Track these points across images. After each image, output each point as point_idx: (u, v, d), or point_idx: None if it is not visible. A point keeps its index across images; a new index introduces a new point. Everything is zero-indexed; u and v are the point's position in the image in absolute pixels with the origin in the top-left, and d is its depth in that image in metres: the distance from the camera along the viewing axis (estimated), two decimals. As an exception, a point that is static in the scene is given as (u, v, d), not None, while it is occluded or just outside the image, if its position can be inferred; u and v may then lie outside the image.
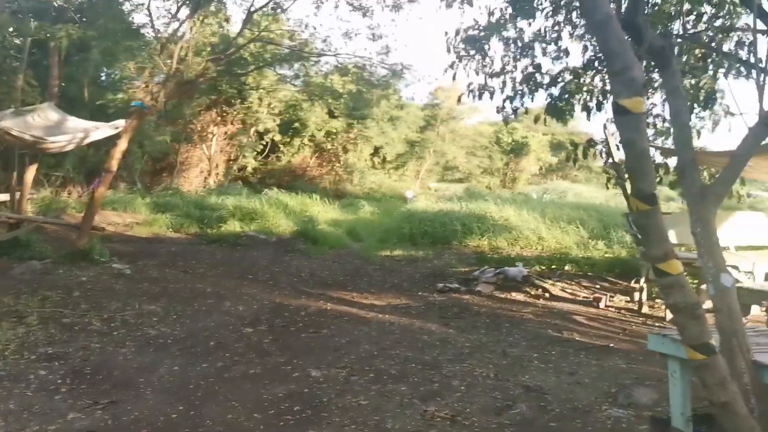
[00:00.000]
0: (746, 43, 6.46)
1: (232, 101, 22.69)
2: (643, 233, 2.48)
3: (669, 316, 7.23)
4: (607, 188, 10.13)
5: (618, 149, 9.47)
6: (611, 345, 6.25)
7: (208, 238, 12.84)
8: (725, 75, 6.76)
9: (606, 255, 11.35)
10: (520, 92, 9.85)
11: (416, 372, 5.23)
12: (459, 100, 9.72)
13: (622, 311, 7.77)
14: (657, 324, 7.16)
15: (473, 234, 13.14)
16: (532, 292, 8.45)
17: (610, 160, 9.22)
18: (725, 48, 6.95)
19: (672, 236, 7.78)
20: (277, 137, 24.17)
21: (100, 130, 9.76)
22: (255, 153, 24.16)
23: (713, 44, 6.68)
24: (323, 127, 24.79)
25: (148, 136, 17.23)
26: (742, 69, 6.58)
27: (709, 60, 6.78)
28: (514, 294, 8.38)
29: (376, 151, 28.18)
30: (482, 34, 8.87)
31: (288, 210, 15.97)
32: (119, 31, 10.90)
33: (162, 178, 22.55)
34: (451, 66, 9.25)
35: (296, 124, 24.32)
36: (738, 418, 2.43)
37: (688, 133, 3.08)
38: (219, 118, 23.14)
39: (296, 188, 22.49)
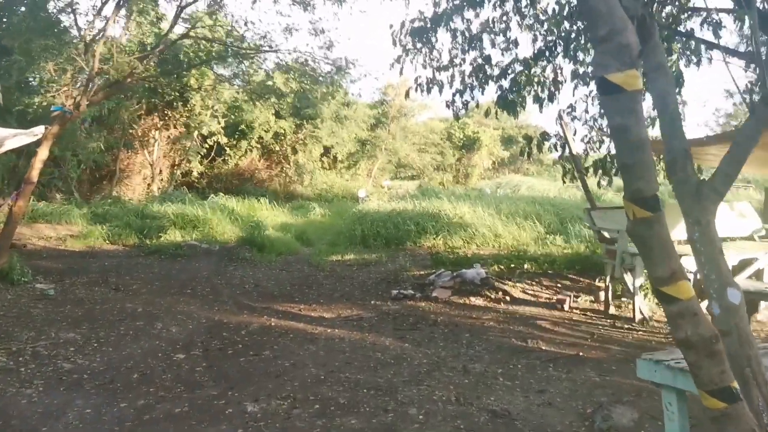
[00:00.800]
0: (713, 24, 6.04)
1: (174, 104, 21.63)
2: (642, 247, 1.92)
3: (638, 316, 6.82)
4: (564, 182, 9.69)
5: (574, 140, 9.02)
6: (580, 354, 5.76)
7: (146, 249, 11.93)
8: (691, 58, 6.36)
9: (565, 251, 10.96)
10: (469, 85, 9.40)
11: (368, 399, 4.61)
12: (407, 94, 9.17)
13: (588, 313, 7.32)
14: (626, 326, 6.73)
15: (428, 234, 12.61)
16: (492, 296, 7.93)
17: (567, 152, 8.83)
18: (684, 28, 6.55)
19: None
20: (223, 140, 23.18)
21: (17, 138, 8.78)
22: (200, 157, 23.13)
23: (678, 26, 6.26)
24: (270, 129, 23.93)
25: (79, 144, 16.10)
26: (709, 52, 6.18)
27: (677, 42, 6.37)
28: (472, 299, 7.85)
29: (327, 151, 27.45)
30: (428, 26, 8.39)
31: (234, 216, 15.14)
32: (35, 28, 9.90)
33: (102, 187, 21.36)
34: (398, 60, 8.77)
35: (242, 126, 23.39)
36: (771, 479, 1.90)
37: (678, 119, 2.53)
38: (161, 123, 22.03)
39: (244, 192, 21.62)
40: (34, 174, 8.91)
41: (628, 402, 4.52)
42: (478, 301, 7.80)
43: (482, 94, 9.53)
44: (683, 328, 1.86)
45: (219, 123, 22.00)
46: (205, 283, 9.09)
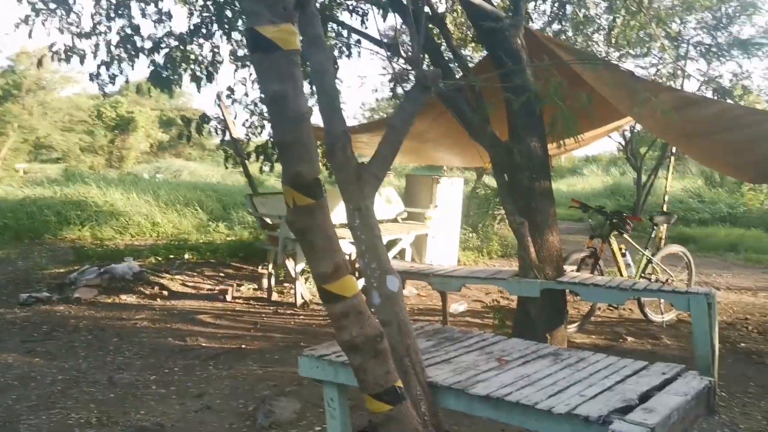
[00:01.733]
0: (360, 14, 6.27)
1: None
2: (303, 240, 1.63)
3: (299, 301, 6.85)
4: (226, 167, 9.38)
5: (235, 124, 8.70)
6: (243, 346, 5.50)
7: None
8: (343, 49, 6.55)
9: (229, 238, 10.67)
10: (117, 57, 8.43)
11: (-22, 439, 3.62)
12: (39, 63, 7.79)
13: (251, 302, 7.12)
14: (288, 312, 6.71)
15: (71, 224, 11.04)
16: (147, 292, 7.19)
17: (228, 137, 8.50)
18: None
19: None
20: None
21: None
22: None
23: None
24: None
25: None
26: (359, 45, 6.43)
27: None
28: (124, 297, 6.99)
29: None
30: (62, -18, 7.19)
31: None
32: None
33: None
34: (26, 21, 7.39)
35: None
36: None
37: (336, 98, 2.35)
38: None
39: None
40: None
41: (290, 393, 4.40)
42: (130, 298, 6.98)
43: (132, 68, 8.63)
44: (348, 329, 1.65)
45: None
46: None
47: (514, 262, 10.21)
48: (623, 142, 14.21)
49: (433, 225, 8.56)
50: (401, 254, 7.62)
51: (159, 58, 8.27)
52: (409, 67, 5.69)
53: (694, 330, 4.11)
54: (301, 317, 6.56)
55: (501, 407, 2.04)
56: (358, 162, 2.36)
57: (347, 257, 1.72)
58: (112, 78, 8.54)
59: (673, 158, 8.94)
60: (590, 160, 32.62)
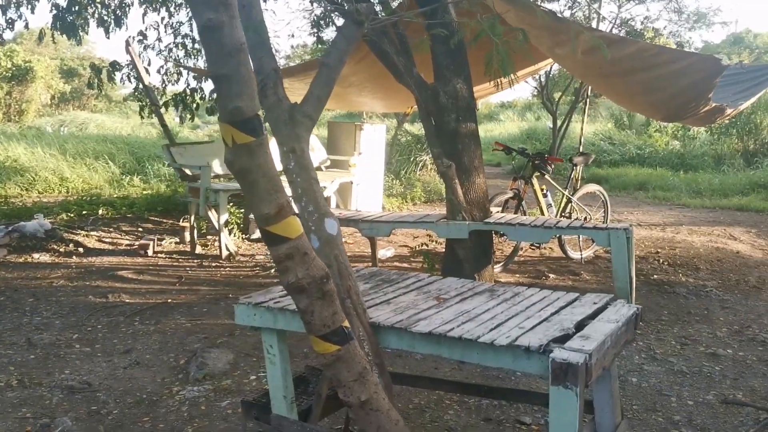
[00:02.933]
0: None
1: None
2: (243, 181, 1.56)
3: (225, 253, 6.71)
4: (141, 117, 8.92)
5: (148, 73, 8.27)
6: (169, 300, 5.35)
7: None
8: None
9: (145, 192, 10.24)
10: (15, 0, 7.83)
11: None
12: None
13: (174, 256, 6.90)
14: (214, 264, 6.56)
15: (-30, 183, 10.27)
16: (62, 249, 6.83)
17: (141, 85, 8.06)
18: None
19: (218, 167, 7.23)
20: None
21: None
22: None
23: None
24: None
25: None
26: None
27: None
28: (36, 255, 6.61)
29: None
30: None
31: None
32: None
33: None
34: None
35: None
36: (381, 414, 1.83)
37: (265, 33, 2.23)
38: None
39: None
40: None
41: (222, 344, 4.34)
42: (43, 257, 6.61)
43: (32, 12, 7.97)
44: (293, 270, 1.60)
45: None
46: None
47: (438, 207, 10.39)
48: (539, 88, 14.53)
49: (356, 172, 8.52)
50: (327, 201, 7.56)
51: (62, 1, 7.68)
52: (332, 8, 5.53)
53: (615, 263, 4.32)
54: (227, 269, 6.44)
55: (443, 343, 2.07)
56: (290, 102, 2.28)
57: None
58: (10, 23, 7.87)
59: (588, 102, 9.22)
60: (506, 105, 33.29)
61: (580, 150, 8.82)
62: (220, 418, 3.32)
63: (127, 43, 7.89)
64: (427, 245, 6.95)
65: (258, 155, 1.51)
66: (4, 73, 26.47)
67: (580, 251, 6.64)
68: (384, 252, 6.91)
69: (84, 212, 8.56)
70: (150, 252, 6.85)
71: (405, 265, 6.62)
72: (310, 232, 2.20)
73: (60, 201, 9.58)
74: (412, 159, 13.50)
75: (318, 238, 2.19)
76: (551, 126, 14.87)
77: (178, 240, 7.35)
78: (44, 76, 27.33)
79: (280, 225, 1.56)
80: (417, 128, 16.60)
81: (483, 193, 5.00)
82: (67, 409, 3.41)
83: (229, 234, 7.06)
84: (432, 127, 4.91)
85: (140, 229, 8.13)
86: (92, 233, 7.54)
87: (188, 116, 9.02)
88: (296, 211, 1.71)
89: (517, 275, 6.17)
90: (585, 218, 6.59)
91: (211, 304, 5.30)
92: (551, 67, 12.14)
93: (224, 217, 6.72)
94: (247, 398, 2.94)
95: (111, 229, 7.92)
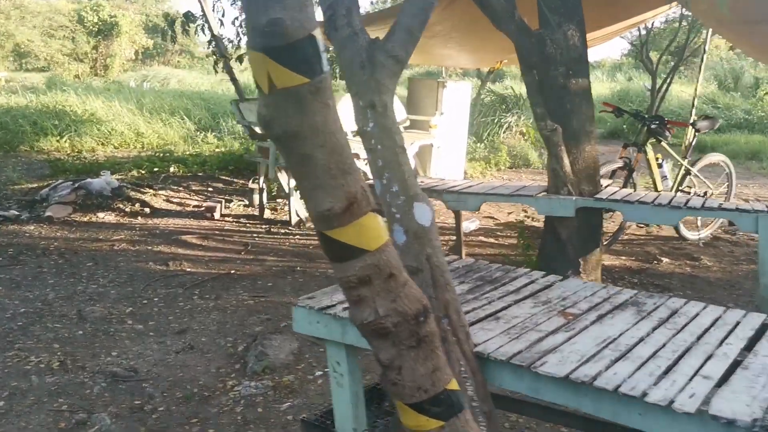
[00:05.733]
0: None
1: None
2: (287, 151, 0.93)
3: (294, 219, 6.21)
4: (216, 71, 8.49)
5: (222, 24, 7.72)
6: (232, 272, 4.89)
7: None
8: None
9: (217, 149, 9.89)
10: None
11: None
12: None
13: (241, 220, 6.46)
14: (282, 231, 6.07)
15: (48, 135, 10.21)
16: (128, 209, 6.50)
17: (211, 35, 7.58)
18: None
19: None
20: None
21: None
22: None
23: None
24: None
25: None
26: None
27: None
28: (101, 215, 6.31)
29: None
30: None
31: None
32: None
33: None
34: None
35: None
36: None
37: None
38: None
39: None
40: None
41: (286, 328, 3.81)
42: (108, 217, 6.30)
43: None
44: (369, 303, 0.98)
45: None
46: None
47: (523, 174, 9.55)
48: (637, 44, 13.19)
49: (438, 134, 7.78)
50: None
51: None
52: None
53: (762, 254, 3.48)
54: (296, 237, 5.93)
55: (586, 394, 1.41)
56: (369, 37, 1.62)
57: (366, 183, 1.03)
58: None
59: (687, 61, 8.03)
60: (593, 65, 31.31)
61: (693, 113, 7.71)
62: (278, 426, 2.80)
63: (200, -7, 7.39)
64: (523, 221, 6.19)
65: (314, 109, 0.87)
66: (91, 27, 26.94)
67: (698, 231, 5.73)
68: (467, 224, 6.21)
69: (155, 169, 8.26)
70: (217, 215, 6.43)
71: (492, 240, 5.91)
72: (393, 221, 1.56)
73: (133, 157, 9.37)
74: (496, 120, 12.58)
75: (405, 230, 1.55)
76: (648, 87, 13.51)
77: (246, 203, 6.91)
78: (128, 31, 27.63)
79: (350, 229, 0.93)
80: (502, 86, 15.59)
81: (593, 164, 4.21)
82: (107, 402, 2.98)
83: (300, 198, 6.55)
84: (535, 83, 4.12)
85: (210, 189, 7.77)
86: (160, 192, 7.20)
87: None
88: (374, 200, 1.07)
89: (623, 258, 5.35)
90: (705, 194, 5.66)
91: (277, 277, 4.80)
92: (653, 22, 10.89)
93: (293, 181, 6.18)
94: (308, 417, 2.37)
95: (180, 188, 7.58)
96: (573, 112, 4.09)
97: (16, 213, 6.18)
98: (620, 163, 5.35)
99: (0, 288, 4.42)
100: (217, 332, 3.77)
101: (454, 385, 1.17)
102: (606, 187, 4.53)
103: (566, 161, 4.00)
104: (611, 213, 4.61)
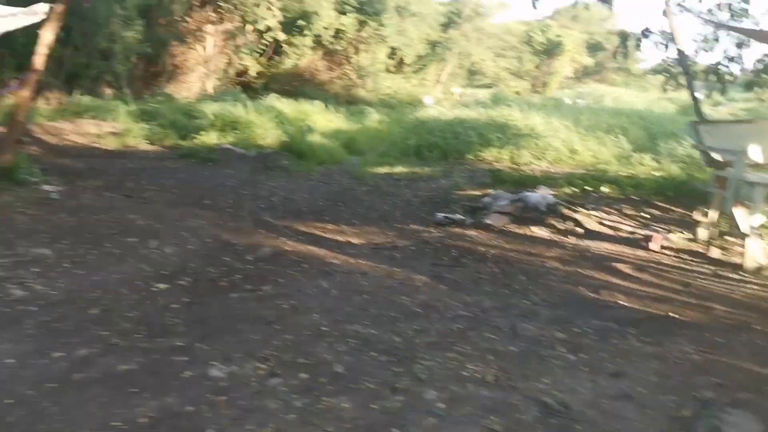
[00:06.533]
0: None
1: (229, -5, 20.21)
2: None
3: (750, 264, 5.24)
4: (664, 90, 7.89)
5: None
6: (671, 314, 4.32)
7: (180, 151, 10.98)
8: None
9: (654, 173, 9.21)
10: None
11: (375, 369, 3.38)
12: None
13: (682, 255, 5.77)
14: (733, 276, 5.18)
15: (491, 146, 11.02)
16: (560, 227, 6.45)
17: (676, 50, 7.00)
18: None
19: (757, 154, 5.66)
20: (281, 36, 21.70)
21: (16, 18, 7.69)
22: (256, 54, 21.83)
23: None
24: (331, 25, 22.18)
25: (116, 34, 15.08)
26: None
27: None
28: (534, 229, 6.39)
29: (393, 52, 25.50)
30: None
31: (280, 119, 13.92)
32: None
33: (156, 84, 20.56)
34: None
35: (300, 21, 21.76)
36: None
37: None
38: (215, 16, 20.75)
39: (303, 94, 20.32)
40: (39, 61, 7.82)
41: (745, 403, 3.12)
42: (541, 232, 6.35)
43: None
44: None
45: (274, 16, 20.47)
46: (228, 194, 7.99)
47: None
48: None
49: None
50: None
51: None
52: None
53: None
54: (752, 287, 4.98)
55: None
56: None
57: None
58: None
59: None
60: None
61: None
62: None
63: (666, 4, 6.88)
64: None
65: None
66: (537, 47, 28.57)
67: None
68: None
69: (587, 187, 8.09)
70: (655, 246, 5.87)
71: None
72: None
73: (566, 173, 9.39)
74: None
75: None
76: None
77: (690, 236, 6.15)
78: (571, 49, 28.44)
79: None
80: None
81: None
82: (536, 432, 2.82)
83: (761, 240, 5.50)
84: None
85: (643, 214, 7.21)
86: (593, 213, 6.97)
87: (720, 91, 7.59)
88: None
89: None
90: None
91: (727, 332, 4.05)
92: None
93: (758, 218, 5.22)
94: None
95: (613, 211, 7.23)
96: None
97: (462, 217, 6.71)
98: None
99: (444, 287, 4.76)
100: (657, 386, 3.30)
101: None
102: None
103: None
104: None
